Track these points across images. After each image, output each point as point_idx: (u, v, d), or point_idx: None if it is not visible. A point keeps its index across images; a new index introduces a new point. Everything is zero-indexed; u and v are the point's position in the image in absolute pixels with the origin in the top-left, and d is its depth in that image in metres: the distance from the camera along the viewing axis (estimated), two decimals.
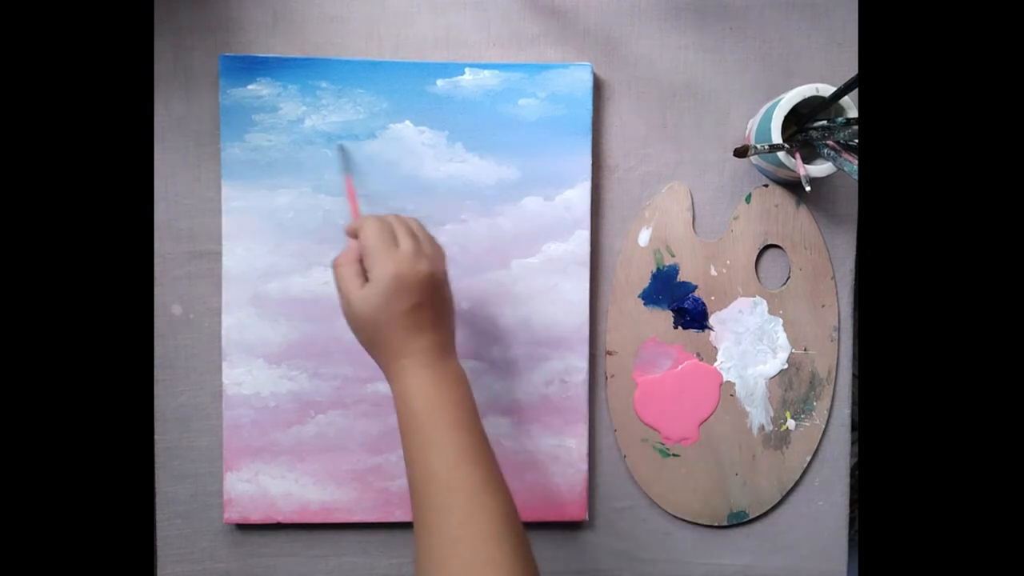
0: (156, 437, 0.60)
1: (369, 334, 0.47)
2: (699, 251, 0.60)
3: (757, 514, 0.62)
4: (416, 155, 0.58)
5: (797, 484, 0.62)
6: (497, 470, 0.46)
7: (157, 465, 0.60)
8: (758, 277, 0.61)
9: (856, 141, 0.52)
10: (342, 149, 0.56)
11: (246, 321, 0.58)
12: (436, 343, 0.47)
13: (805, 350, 0.61)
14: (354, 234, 0.49)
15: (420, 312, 0.46)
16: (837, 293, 0.61)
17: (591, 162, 0.59)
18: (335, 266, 0.48)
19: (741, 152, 0.51)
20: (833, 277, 0.61)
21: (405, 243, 0.47)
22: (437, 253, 0.49)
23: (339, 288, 0.48)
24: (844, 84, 0.49)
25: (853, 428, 0.63)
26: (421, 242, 0.48)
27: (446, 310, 0.49)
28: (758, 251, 0.61)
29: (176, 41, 0.58)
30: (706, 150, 0.61)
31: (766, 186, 0.60)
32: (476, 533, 0.42)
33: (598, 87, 0.60)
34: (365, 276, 0.47)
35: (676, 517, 0.62)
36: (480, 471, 0.44)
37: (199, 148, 0.59)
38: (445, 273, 0.49)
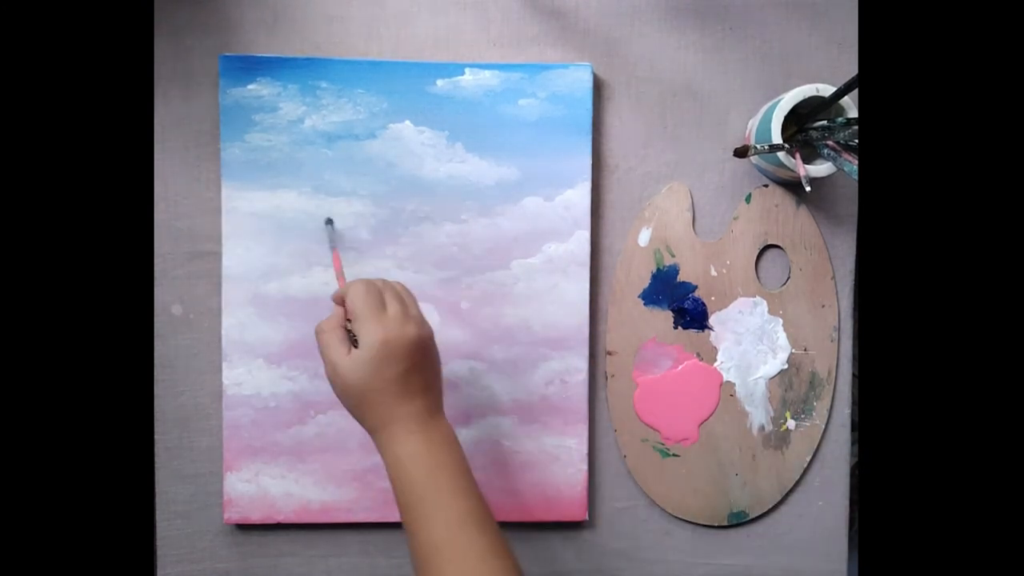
0: (156, 437, 0.60)
1: (356, 401, 0.46)
2: (699, 251, 0.60)
3: (757, 514, 0.62)
4: (416, 155, 0.58)
5: (797, 484, 0.62)
6: (500, 534, 0.45)
7: (157, 465, 0.60)
8: (758, 277, 0.61)
9: (856, 141, 0.52)
10: (330, 223, 0.57)
11: (246, 321, 0.58)
12: (426, 407, 0.46)
13: (805, 350, 0.61)
14: (340, 301, 0.48)
15: (409, 377, 0.45)
16: (837, 293, 0.61)
17: (591, 162, 0.59)
18: (318, 332, 0.47)
19: (741, 152, 0.51)
20: (833, 277, 0.61)
21: (392, 307, 0.46)
22: (423, 318, 0.48)
23: (324, 355, 0.46)
24: (844, 84, 0.49)
25: (853, 428, 0.63)
26: (407, 305, 0.47)
27: (434, 372, 0.48)
28: (758, 251, 0.61)
29: (176, 41, 0.58)
30: (706, 150, 0.61)
31: (766, 186, 0.60)
32: None
33: (598, 87, 0.60)
34: (350, 342, 0.46)
35: (676, 517, 0.62)
36: (485, 537, 0.44)
37: (199, 148, 0.59)
38: (431, 335, 0.48)
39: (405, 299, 0.48)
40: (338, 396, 0.47)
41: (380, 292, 0.47)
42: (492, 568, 0.43)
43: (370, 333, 0.45)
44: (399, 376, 0.45)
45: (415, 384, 0.46)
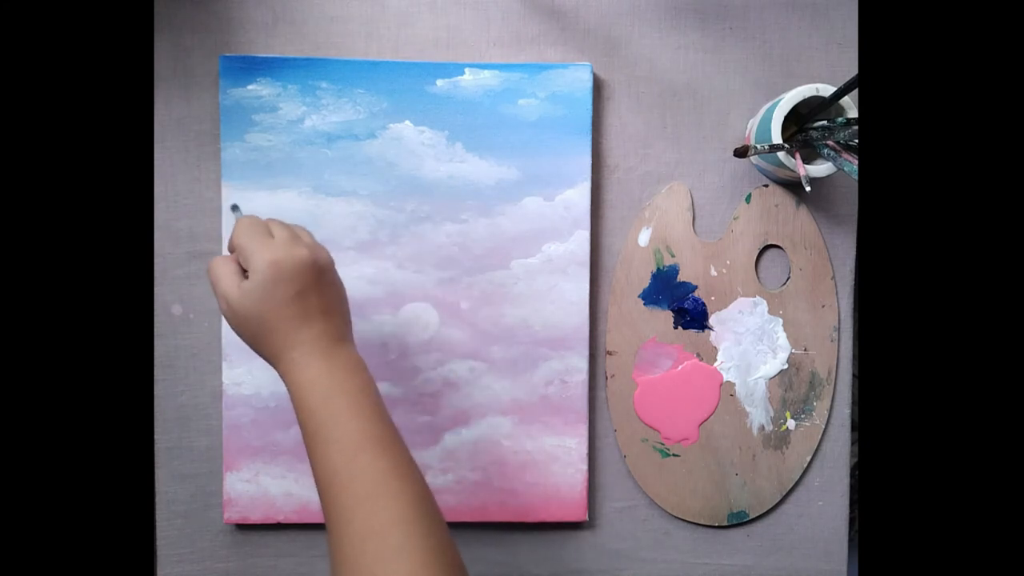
0: (156, 437, 0.60)
1: (253, 329, 0.44)
2: (699, 251, 0.60)
3: (757, 514, 0.62)
4: (416, 155, 0.58)
5: (797, 484, 0.62)
6: (405, 456, 0.43)
7: (157, 465, 0.60)
8: (758, 277, 0.61)
9: (856, 141, 0.52)
10: (236, 209, 0.56)
11: None
12: (327, 332, 0.44)
13: (805, 350, 0.61)
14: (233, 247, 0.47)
15: (305, 300, 0.44)
16: (837, 293, 0.61)
17: (591, 162, 0.59)
18: (208, 268, 0.46)
19: (741, 152, 0.51)
20: (833, 277, 0.61)
21: (279, 232, 0.45)
22: (318, 244, 0.47)
23: (215, 289, 0.45)
24: (844, 84, 0.49)
25: (853, 428, 0.63)
26: (299, 234, 0.46)
27: (336, 297, 0.46)
28: (758, 251, 0.61)
29: (176, 41, 0.58)
30: (706, 150, 0.61)
31: (766, 186, 0.60)
32: (385, 524, 0.39)
33: (598, 87, 0.60)
34: (243, 275, 0.45)
35: (676, 517, 0.62)
36: (384, 459, 0.41)
37: (199, 148, 0.59)
38: (330, 261, 0.46)
39: (296, 230, 0.47)
40: (235, 331, 0.45)
41: (266, 224, 0.46)
42: (392, 491, 0.40)
43: (258, 259, 0.43)
44: (293, 298, 0.43)
45: (313, 307, 0.44)
